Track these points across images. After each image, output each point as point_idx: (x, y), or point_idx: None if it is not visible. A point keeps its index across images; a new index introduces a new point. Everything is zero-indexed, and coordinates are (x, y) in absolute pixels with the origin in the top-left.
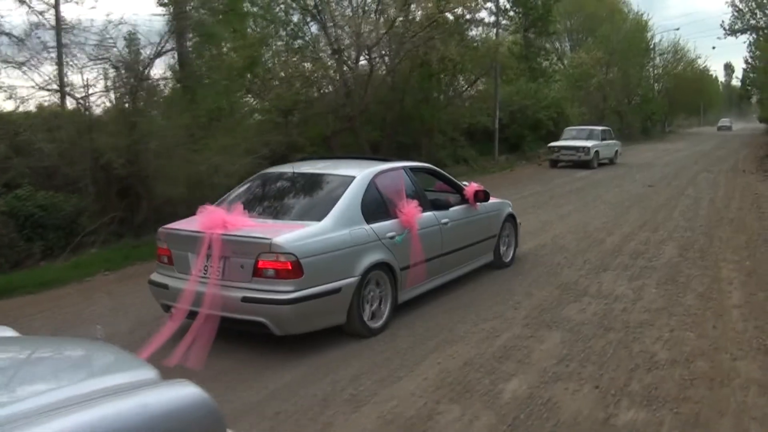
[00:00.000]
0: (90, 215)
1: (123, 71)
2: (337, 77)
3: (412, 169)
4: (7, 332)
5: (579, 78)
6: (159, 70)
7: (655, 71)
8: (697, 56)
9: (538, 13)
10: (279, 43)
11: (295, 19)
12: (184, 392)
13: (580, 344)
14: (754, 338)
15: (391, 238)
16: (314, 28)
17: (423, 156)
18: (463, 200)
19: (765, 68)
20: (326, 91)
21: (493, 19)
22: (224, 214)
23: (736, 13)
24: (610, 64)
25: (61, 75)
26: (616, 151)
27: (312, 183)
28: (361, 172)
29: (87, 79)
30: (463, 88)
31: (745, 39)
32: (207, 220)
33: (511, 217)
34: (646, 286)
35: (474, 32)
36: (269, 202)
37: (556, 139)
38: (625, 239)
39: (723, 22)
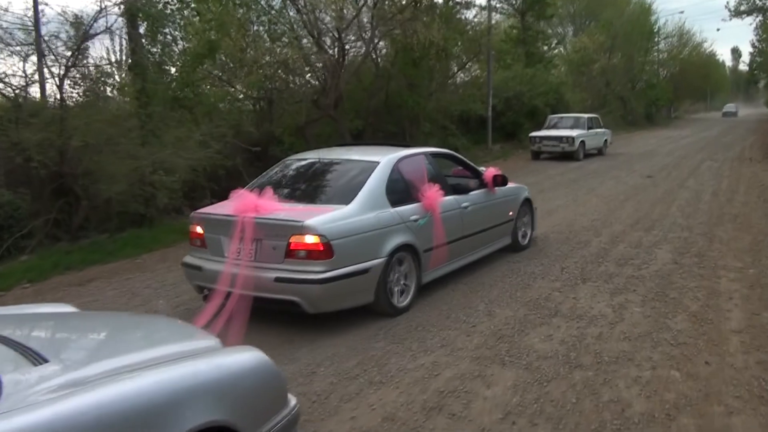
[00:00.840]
0: (22, 218)
1: (49, 57)
2: (312, 63)
3: (432, 154)
4: (68, 308)
5: (581, 63)
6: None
7: (660, 56)
8: (703, 40)
9: None
10: (257, 28)
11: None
12: (249, 355)
13: (535, 389)
14: (755, 379)
15: (415, 221)
16: (292, 12)
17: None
18: (482, 185)
19: None
20: (301, 80)
21: (485, 2)
22: (256, 198)
23: None
24: (613, 49)
25: None
26: (605, 140)
27: (337, 169)
28: (384, 158)
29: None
30: (453, 74)
31: (751, 21)
32: (239, 204)
33: (527, 201)
34: (630, 304)
35: (467, 15)
36: (297, 187)
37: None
38: (614, 241)
39: (728, 3)
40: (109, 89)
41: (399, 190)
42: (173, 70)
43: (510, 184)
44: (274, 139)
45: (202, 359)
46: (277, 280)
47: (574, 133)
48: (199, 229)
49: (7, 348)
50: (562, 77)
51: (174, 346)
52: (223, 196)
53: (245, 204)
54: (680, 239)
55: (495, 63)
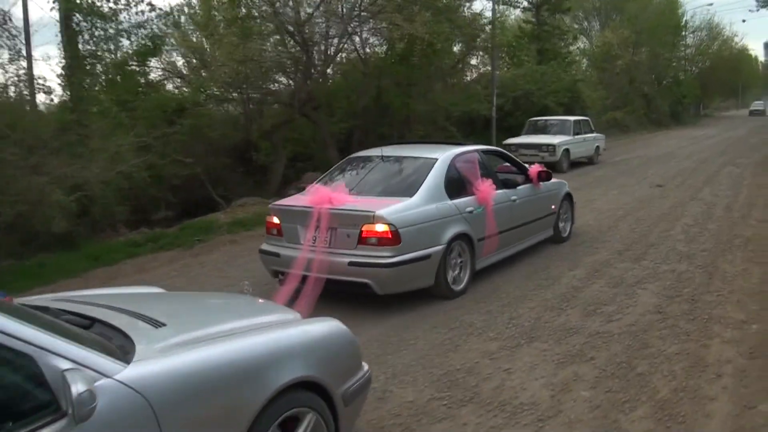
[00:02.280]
0: None
1: None
2: (281, 60)
3: (484, 151)
4: (158, 289)
5: (603, 59)
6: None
7: (687, 51)
8: (734, 34)
9: None
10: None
11: None
12: (330, 324)
13: None
14: None
15: (470, 212)
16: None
17: None
18: (527, 179)
19: None
20: (271, 80)
21: None
22: (329, 191)
23: None
24: (637, 44)
25: None
26: (597, 147)
27: (399, 165)
28: (442, 155)
29: None
30: (454, 72)
31: None
32: (315, 197)
33: (568, 196)
34: (578, 383)
35: (470, 8)
36: (364, 181)
37: None
38: (591, 275)
39: None
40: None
41: (455, 184)
42: (111, 69)
43: (552, 180)
44: (252, 144)
45: (291, 326)
46: (351, 264)
47: (555, 140)
48: (275, 220)
49: (129, 316)
50: (580, 74)
51: (263, 317)
52: (182, 207)
53: (320, 196)
54: (674, 274)
55: (508, 60)
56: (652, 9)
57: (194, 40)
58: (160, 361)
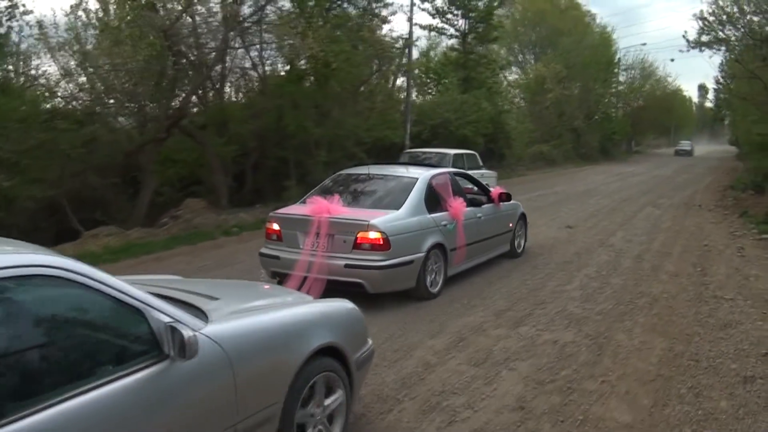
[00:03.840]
0: None
1: None
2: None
3: (455, 173)
4: (177, 276)
5: (535, 92)
6: None
7: (619, 87)
8: (667, 74)
9: (479, 15)
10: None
11: None
12: (345, 304)
13: None
14: None
15: (444, 225)
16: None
17: (308, 177)
18: (490, 200)
19: (737, 86)
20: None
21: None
22: (327, 203)
23: (704, 26)
24: (569, 78)
25: None
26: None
27: (384, 182)
28: (421, 175)
29: None
30: (365, 95)
31: (711, 54)
32: (315, 207)
33: (522, 216)
34: None
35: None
36: (355, 194)
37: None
38: (450, 349)
39: (686, 32)
40: None
41: (433, 201)
42: None
43: (510, 201)
44: (136, 165)
45: (316, 303)
46: (347, 266)
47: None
48: (275, 226)
49: (186, 293)
50: (507, 105)
51: (287, 297)
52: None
53: (320, 207)
54: (555, 347)
55: (432, 88)
56: (585, 44)
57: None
58: (229, 322)
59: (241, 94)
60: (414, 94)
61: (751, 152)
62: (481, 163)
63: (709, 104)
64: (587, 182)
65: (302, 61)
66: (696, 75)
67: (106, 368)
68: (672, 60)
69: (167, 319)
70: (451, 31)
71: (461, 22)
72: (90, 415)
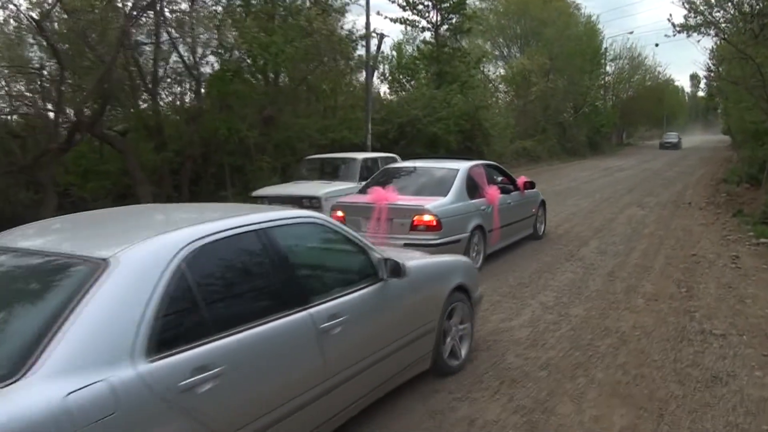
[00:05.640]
0: None
1: None
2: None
3: (486, 165)
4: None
5: (519, 85)
6: None
7: (606, 79)
8: (657, 64)
9: (451, 6)
10: None
11: None
12: (465, 258)
13: None
14: None
15: (483, 210)
16: None
17: (251, 184)
18: (516, 188)
19: (728, 70)
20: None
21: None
22: (385, 191)
23: (690, 9)
24: (553, 71)
25: None
26: None
27: (430, 173)
28: (461, 166)
29: None
30: (322, 95)
31: (698, 38)
32: (376, 196)
33: (543, 203)
34: None
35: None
36: (405, 185)
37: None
38: None
39: (671, 16)
40: None
41: (472, 188)
42: None
43: (533, 189)
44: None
45: (448, 256)
46: (405, 245)
47: (324, 189)
48: (340, 213)
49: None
50: (485, 100)
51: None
52: None
53: (379, 195)
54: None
55: (406, 84)
56: (569, 34)
57: None
58: (411, 262)
59: (175, 97)
60: (385, 92)
61: (744, 141)
62: None
63: (701, 93)
64: (570, 179)
65: (227, 56)
66: (687, 66)
67: (354, 281)
68: (657, 45)
69: (379, 256)
70: (423, 23)
71: (433, 14)
72: (352, 307)
